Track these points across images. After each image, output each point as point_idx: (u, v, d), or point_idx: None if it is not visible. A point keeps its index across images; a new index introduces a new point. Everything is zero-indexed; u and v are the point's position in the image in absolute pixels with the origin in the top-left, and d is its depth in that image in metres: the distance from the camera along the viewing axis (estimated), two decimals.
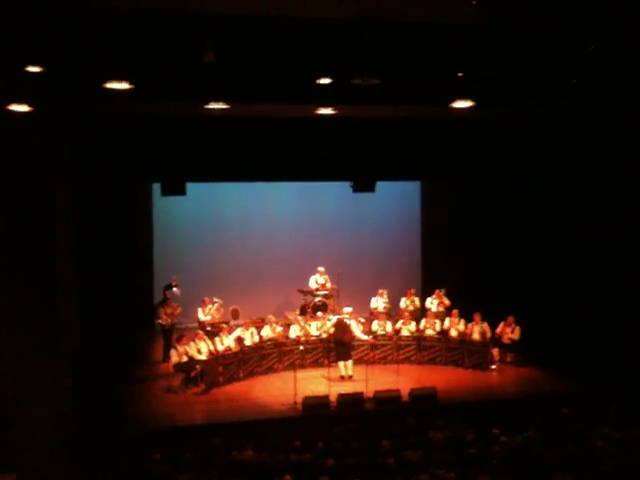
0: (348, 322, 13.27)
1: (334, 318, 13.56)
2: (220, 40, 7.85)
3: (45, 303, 10.02)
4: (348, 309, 13.71)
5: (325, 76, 8.83)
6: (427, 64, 8.74)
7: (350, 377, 12.83)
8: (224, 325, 13.70)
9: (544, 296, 14.16)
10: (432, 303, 15.24)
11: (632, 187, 12.40)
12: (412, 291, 15.65)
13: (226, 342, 13.11)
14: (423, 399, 11.80)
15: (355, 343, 13.48)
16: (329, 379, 12.52)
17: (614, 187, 12.82)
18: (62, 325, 10.35)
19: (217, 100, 9.27)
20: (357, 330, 13.67)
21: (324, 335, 13.90)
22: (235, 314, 15.73)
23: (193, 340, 12.86)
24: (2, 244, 9.75)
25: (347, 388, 12.24)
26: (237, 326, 13.96)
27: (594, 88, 9.69)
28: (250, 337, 13.50)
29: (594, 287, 13.26)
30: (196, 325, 14.38)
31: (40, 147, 10.12)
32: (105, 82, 7.97)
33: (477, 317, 13.97)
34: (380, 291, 15.46)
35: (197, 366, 12.49)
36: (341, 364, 12.94)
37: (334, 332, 13.20)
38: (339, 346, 13.02)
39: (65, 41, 7.61)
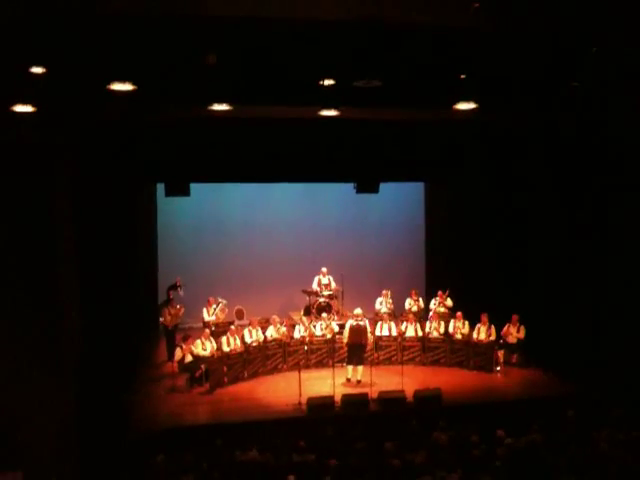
0: (362, 324, 12.85)
1: (348, 324, 12.97)
2: (222, 42, 7.86)
3: (47, 304, 10.00)
4: (358, 311, 13.07)
5: (328, 78, 8.84)
6: (429, 66, 8.74)
7: (359, 382, 12.71)
8: (232, 327, 13.67)
9: (544, 297, 14.10)
10: (435, 304, 15.25)
11: (632, 187, 12.35)
12: (416, 292, 15.63)
13: (232, 343, 13.11)
14: (427, 400, 11.78)
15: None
16: (334, 380, 12.51)
17: (614, 187, 12.78)
18: (65, 326, 10.34)
19: (220, 102, 9.28)
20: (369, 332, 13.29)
21: (328, 335, 13.90)
22: (240, 314, 15.77)
23: (199, 338, 12.90)
24: (2, 246, 9.71)
25: (351, 389, 12.26)
26: (242, 326, 13.97)
27: (594, 89, 9.67)
28: (255, 334, 13.50)
29: (594, 287, 13.20)
30: (200, 325, 14.44)
31: (42, 148, 10.12)
32: (108, 83, 7.98)
33: (484, 317, 13.93)
34: (384, 292, 15.42)
35: (202, 366, 12.53)
36: (350, 367, 12.85)
37: (349, 337, 12.78)
38: (353, 349, 12.79)
39: (68, 43, 7.63)
